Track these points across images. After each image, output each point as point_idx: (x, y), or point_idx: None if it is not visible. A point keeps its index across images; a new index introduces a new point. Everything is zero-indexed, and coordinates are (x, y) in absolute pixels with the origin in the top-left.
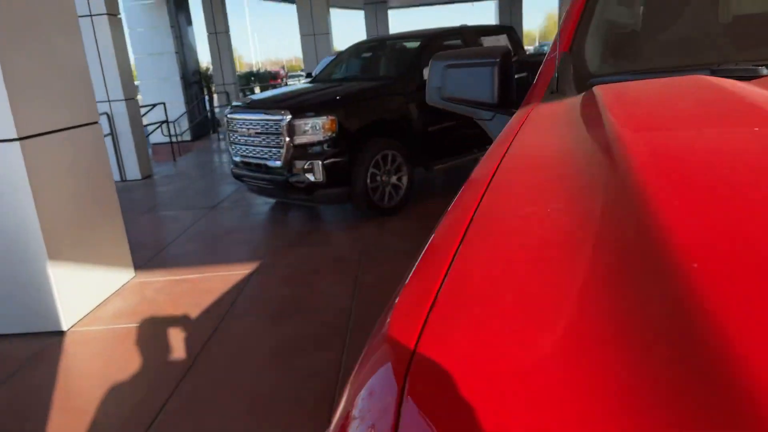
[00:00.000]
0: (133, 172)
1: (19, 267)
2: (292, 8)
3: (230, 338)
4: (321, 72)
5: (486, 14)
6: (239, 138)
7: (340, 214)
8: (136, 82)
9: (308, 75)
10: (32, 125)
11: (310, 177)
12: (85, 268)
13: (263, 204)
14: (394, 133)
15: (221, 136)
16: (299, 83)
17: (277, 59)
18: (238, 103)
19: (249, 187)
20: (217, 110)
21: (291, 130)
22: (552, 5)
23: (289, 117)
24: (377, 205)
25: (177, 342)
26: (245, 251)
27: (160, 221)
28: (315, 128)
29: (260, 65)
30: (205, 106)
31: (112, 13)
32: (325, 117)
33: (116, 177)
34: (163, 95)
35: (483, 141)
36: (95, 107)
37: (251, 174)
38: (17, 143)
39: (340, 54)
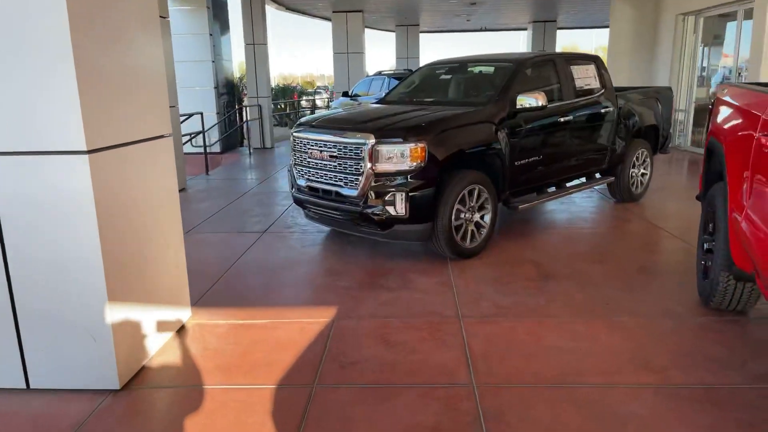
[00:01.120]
0: None
1: (78, 310)
2: (308, 22)
3: (327, 419)
4: (390, 93)
5: (516, 43)
6: (307, 160)
7: (410, 253)
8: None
9: (345, 93)
10: (103, 136)
11: (391, 210)
12: (144, 308)
13: (318, 232)
14: (482, 165)
15: (250, 150)
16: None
17: (290, 74)
18: (306, 121)
19: (310, 214)
20: (248, 122)
21: (374, 156)
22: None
23: (372, 141)
24: (459, 245)
25: (258, 418)
26: (315, 291)
27: (206, 245)
28: (402, 155)
29: (274, 80)
30: (235, 118)
31: (162, 16)
32: (413, 143)
33: None
34: (197, 104)
35: (570, 179)
36: (168, 117)
37: (318, 200)
38: (85, 156)
39: (410, 74)
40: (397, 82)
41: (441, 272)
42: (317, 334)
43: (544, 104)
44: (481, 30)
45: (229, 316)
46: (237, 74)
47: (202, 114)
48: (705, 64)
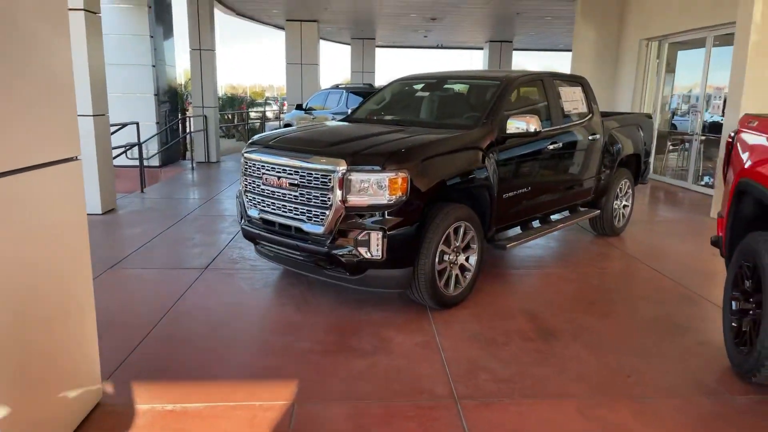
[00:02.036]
0: (93, 204)
1: None
2: (260, 30)
3: None
4: (357, 110)
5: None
6: (261, 187)
7: (382, 300)
8: None
9: (299, 106)
10: None
11: (364, 252)
12: (39, 393)
13: (271, 269)
14: (468, 198)
15: (193, 165)
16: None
17: (239, 84)
18: (260, 139)
19: (262, 251)
20: (191, 134)
21: (345, 187)
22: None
23: (343, 168)
24: (442, 293)
25: None
26: (269, 356)
27: (134, 285)
28: (379, 187)
29: (221, 89)
30: (178, 129)
31: (92, 11)
32: (393, 173)
33: None
34: (134, 112)
35: (554, 212)
36: (77, 135)
37: (273, 237)
38: None
39: (380, 89)
40: (356, 97)
41: (422, 328)
42: (276, 422)
43: (537, 129)
44: (437, 47)
45: (155, 397)
46: (181, 81)
47: (138, 124)
48: (669, 91)
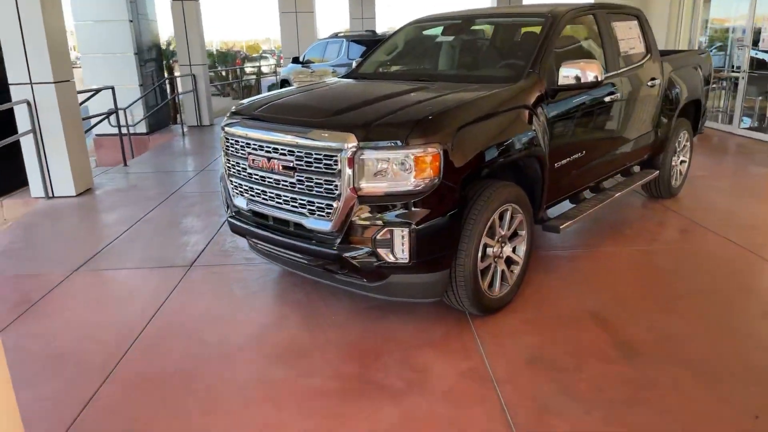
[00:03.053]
0: (65, 185)
1: None
2: None
3: None
4: (363, 63)
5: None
6: (247, 171)
7: (408, 306)
8: (75, 57)
9: (295, 60)
10: None
11: (386, 254)
12: None
13: (268, 266)
14: (515, 172)
15: (184, 130)
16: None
17: (233, 41)
18: (244, 108)
19: (256, 248)
20: (180, 96)
21: (357, 169)
22: None
23: (353, 145)
24: (486, 296)
25: None
26: (268, 408)
27: (100, 294)
28: (403, 168)
29: (211, 46)
30: (165, 91)
31: None
32: (421, 148)
33: (39, 193)
34: (112, 76)
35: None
36: None
37: (267, 235)
38: None
39: (389, 36)
40: (358, 47)
41: (465, 346)
42: None
43: (599, 78)
44: None
45: None
46: (166, 38)
47: (113, 88)
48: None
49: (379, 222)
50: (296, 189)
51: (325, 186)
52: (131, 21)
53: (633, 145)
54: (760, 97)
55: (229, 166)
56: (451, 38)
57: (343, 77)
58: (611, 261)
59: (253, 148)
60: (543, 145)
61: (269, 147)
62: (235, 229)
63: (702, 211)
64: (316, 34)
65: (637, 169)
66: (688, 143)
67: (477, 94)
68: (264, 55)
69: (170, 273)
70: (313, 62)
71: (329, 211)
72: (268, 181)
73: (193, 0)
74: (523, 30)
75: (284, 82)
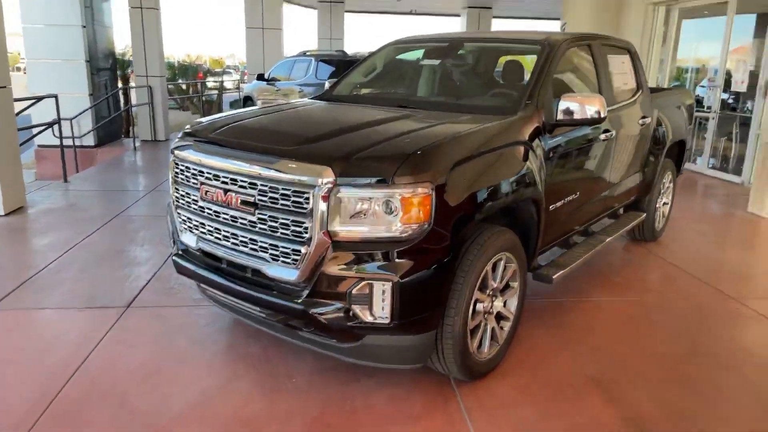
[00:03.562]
0: None
1: None
2: None
3: None
4: (338, 84)
5: (450, 28)
6: (199, 204)
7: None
8: (20, 63)
9: (260, 77)
10: None
11: (363, 312)
12: None
13: (217, 311)
14: (507, 215)
15: (135, 144)
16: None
17: (198, 55)
18: (199, 128)
19: (206, 292)
20: (134, 109)
21: (333, 210)
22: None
23: (328, 180)
24: (474, 358)
25: None
26: None
27: (12, 343)
28: (388, 210)
29: (173, 58)
30: (119, 102)
31: None
32: (411, 188)
33: None
34: (60, 83)
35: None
36: None
37: (219, 280)
38: None
39: (367, 56)
40: (328, 67)
41: (451, 420)
42: None
43: (603, 114)
44: (410, 13)
45: None
46: (123, 46)
47: (56, 97)
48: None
49: (356, 273)
50: (257, 229)
51: (292, 227)
52: (84, 26)
53: (623, 186)
54: (725, 138)
55: (177, 197)
56: (437, 62)
57: (315, 98)
58: (604, 314)
59: (207, 178)
60: (540, 186)
61: (226, 177)
62: (181, 270)
63: (688, 258)
64: (283, 52)
65: (621, 211)
66: (671, 184)
67: (472, 126)
68: (227, 70)
69: (102, 315)
70: (278, 80)
71: (296, 257)
72: (224, 218)
73: (153, 9)
74: (517, 57)
75: (247, 99)
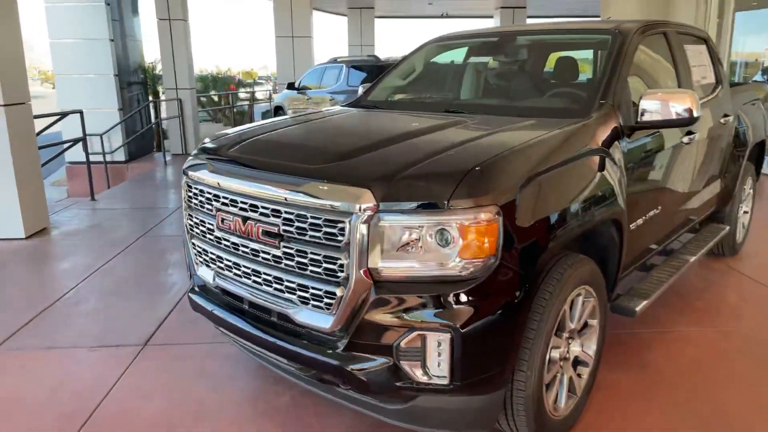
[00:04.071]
0: (12, 224)
1: None
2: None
3: None
4: (373, 89)
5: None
6: (215, 234)
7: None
8: (45, 80)
9: (290, 85)
10: None
11: (414, 371)
12: None
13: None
14: (587, 240)
15: (165, 159)
16: (308, 98)
17: (230, 69)
18: (214, 145)
19: (232, 341)
20: (164, 122)
21: (375, 242)
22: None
23: (368, 205)
24: (549, 418)
25: None
26: None
27: (6, 396)
28: (443, 241)
29: (205, 71)
30: (149, 116)
31: None
32: (471, 213)
33: None
34: (89, 98)
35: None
36: None
37: (240, 326)
38: None
39: (408, 57)
40: (359, 73)
41: None
42: None
43: (695, 112)
44: (442, 16)
45: None
46: (152, 59)
47: (81, 112)
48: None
49: (405, 322)
50: (282, 266)
51: (324, 264)
52: (112, 40)
53: (704, 196)
54: None
55: (191, 224)
56: (486, 60)
57: (347, 105)
58: (692, 349)
59: (224, 203)
60: (621, 201)
61: (245, 203)
62: (197, 309)
63: None
64: (313, 60)
65: (699, 224)
66: (752, 190)
67: (539, 133)
68: (259, 81)
69: (116, 356)
70: (309, 88)
71: (330, 301)
72: (243, 251)
73: (181, 20)
74: (582, 51)
75: (278, 109)
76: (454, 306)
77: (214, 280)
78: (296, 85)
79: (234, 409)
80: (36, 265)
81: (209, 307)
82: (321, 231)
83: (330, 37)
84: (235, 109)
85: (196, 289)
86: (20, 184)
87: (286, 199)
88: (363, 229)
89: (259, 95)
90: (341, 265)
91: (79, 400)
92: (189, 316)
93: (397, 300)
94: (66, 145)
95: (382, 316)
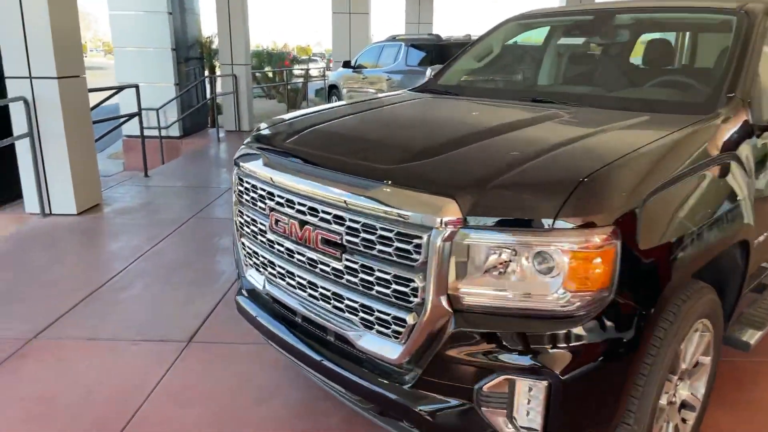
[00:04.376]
0: (64, 200)
1: None
2: None
3: None
4: (444, 72)
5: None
6: (267, 236)
7: None
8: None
9: (346, 64)
10: None
11: (498, 419)
12: None
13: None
14: (710, 264)
15: (219, 135)
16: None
17: (285, 45)
18: (270, 132)
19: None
20: (219, 99)
21: (459, 263)
22: None
23: (453, 219)
24: None
25: None
26: None
27: (39, 395)
28: (546, 267)
29: (260, 47)
30: (205, 91)
31: None
32: (582, 234)
33: (34, 208)
34: (146, 72)
35: None
36: None
37: (291, 342)
38: None
39: (484, 36)
40: (418, 52)
41: None
42: None
43: None
44: None
45: None
46: (209, 34)
47: (137, 87)
48: None
49: (490, 362)
50: (344, 281)
51: (395, 285)
52: (170, 13)
53: None
54: None
55: (241, 222)
56: (578, 41)
57: (415, 90)
58: None
59: (279, 203)
60: (751, 216)
61: (303, 204)
62: (245, 315)
63: None
64: (369, 38)
65: None
66: None
67: (660, 133)
68: (313, 58)
69: (159, 352)
70: (365, 67)
71: (399, 328)
72: (299, 259)
73: None
74: (698, 33)
75: (332, 88)
76: (553, 347)
77: (264, 286)
78: (352, 63)
79: (278, 427)
80: (85, 244)
81: (258, 315)
82: (392, 246)
83: (386, 14)
84: (288, 86)
85: (244, 293)
86: (73, 159)
87: (348, 204)
88: (445, 247)
89: (313, 72)
90: (415, 289)
91: (116, 403)
92: (235, 312)
93: (482, 334)
94: (122, 120)
95: (461, 353)
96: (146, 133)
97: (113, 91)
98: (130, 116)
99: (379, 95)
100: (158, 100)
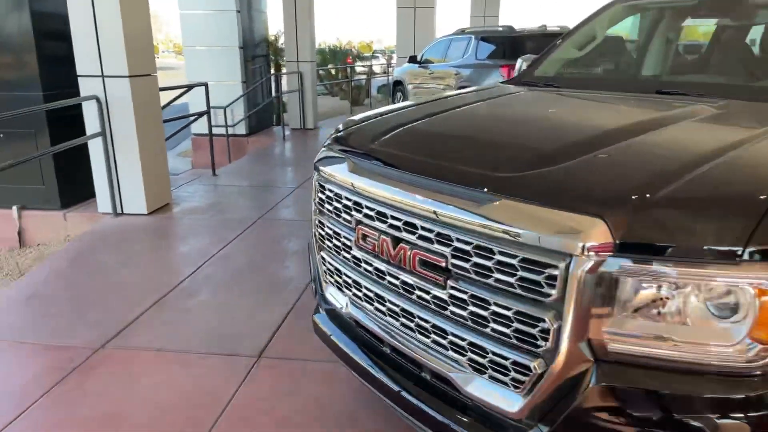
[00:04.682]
0: (135, 200)
1: None
2: None
3: None
4: (540, 62)
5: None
6: (353, 252)
7: None
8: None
9: (412, 59)
10: None
11: None
12: None
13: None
14: None
15: (284, 133)
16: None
17: (349, 42)
18: (353, 130)
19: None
20: (284, 97)
21: (606, 300)
22: None
23: (598, 244)
24: None
25: None
26: None
27: (96, 415)
28: (723, 309)
29: (324, 44)
30: (270, 89)
31: None
32: None
33: (106, 208)
34: (214, 70)
35: None
36: None
37: (377, 375)
38: None
39: (585, 22)
40: (489, 46)
41: None
42: None
43: None
44: None
45: None
46: (275, 32)
47: (206, 85)
48: None
49: (645, 429)
50: (448, 313)
51: (517, 323)
52: (239, 12)
53: None
54: None
55: (321, 235)
56: (695, 22)
57: (508, 83)
58: None
59: (367, 215)
60: None
61: (398, 218)
62: (323, 338)
63: None
64: (434, 32)
65: None
66: None
67: None
68: (375, 54)
69: (228, 368)
70: (432, 62)
71: (521, 376)
72: (391, 282)
73: None
74: None
75: (397, 84)
76: (733, 415)
77: (346, 307)
78: (418, 58)
79: None
80: (154, 246)
81: (338, 340)
82: (515, 275)
83: (451, 8)
84: (352, 83)
85: (322, 311)
86: (144, 158)
87: (459, 222)
88: (588, 280)
89: (375, 69)
90: (544, 330)
91: (186, 424)
92: (307, 323)
93: (633, 392)
94: (191, 118)
95: (605, 413)
96: (214, 131)
97: (183, 89)
98: (200, 114)
99: (467, 89)
100: (226, 98)
